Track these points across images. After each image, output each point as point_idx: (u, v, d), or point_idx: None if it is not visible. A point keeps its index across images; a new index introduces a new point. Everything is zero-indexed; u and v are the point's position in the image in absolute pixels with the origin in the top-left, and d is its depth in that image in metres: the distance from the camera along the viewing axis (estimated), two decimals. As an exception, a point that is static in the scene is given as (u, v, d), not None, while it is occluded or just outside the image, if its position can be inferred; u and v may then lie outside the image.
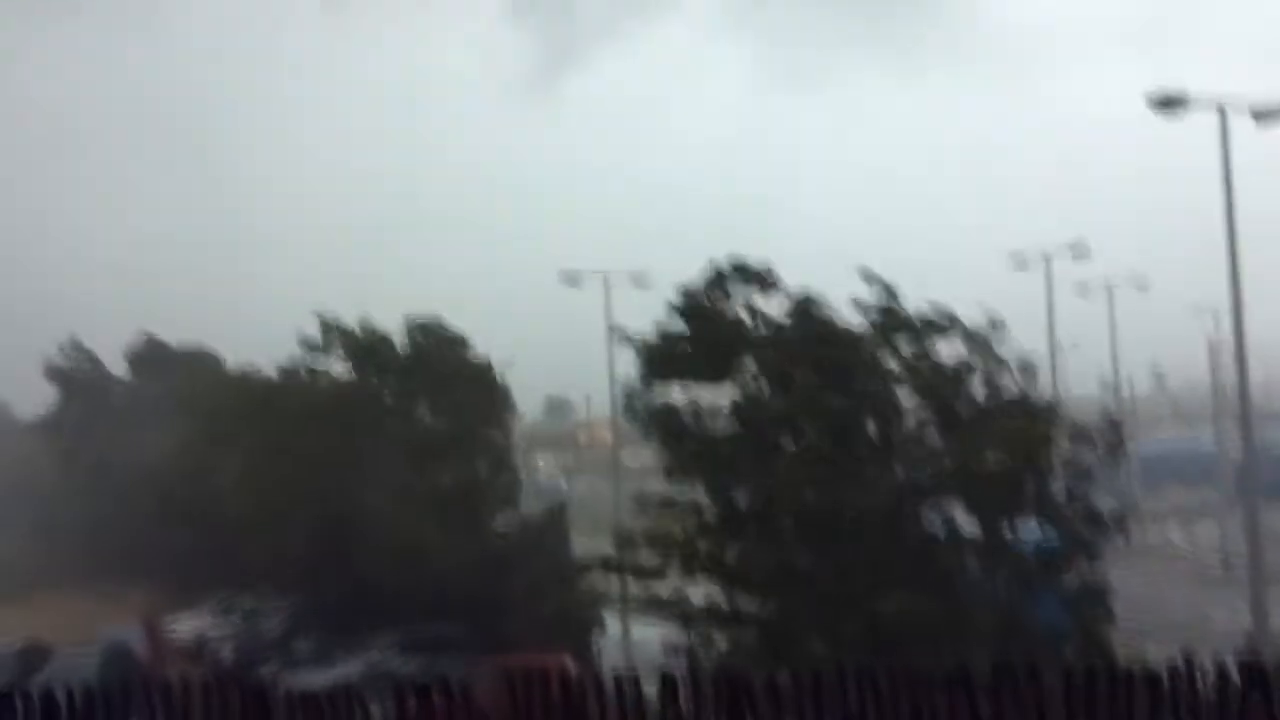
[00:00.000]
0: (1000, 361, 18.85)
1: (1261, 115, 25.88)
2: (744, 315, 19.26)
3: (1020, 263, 40.65)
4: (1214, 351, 49.49)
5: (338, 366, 33.93)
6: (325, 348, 33.51)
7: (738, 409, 18.95)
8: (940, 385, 18.50)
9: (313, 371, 34.46)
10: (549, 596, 29.32)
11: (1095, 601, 18.64)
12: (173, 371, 50.02)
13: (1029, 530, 18.33)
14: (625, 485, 33.56)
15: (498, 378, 33.95)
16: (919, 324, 18.84)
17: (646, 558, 18.99)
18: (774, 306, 19.45)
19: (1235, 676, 7.24)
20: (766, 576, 18.59)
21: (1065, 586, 18.26)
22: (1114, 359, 50.34)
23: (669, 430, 19.44)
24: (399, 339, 33.16)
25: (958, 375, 18.70)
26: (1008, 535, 17.94)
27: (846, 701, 7.48)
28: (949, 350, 18.98)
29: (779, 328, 19.12)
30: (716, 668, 8.64)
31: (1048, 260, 39.55)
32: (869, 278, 18.98)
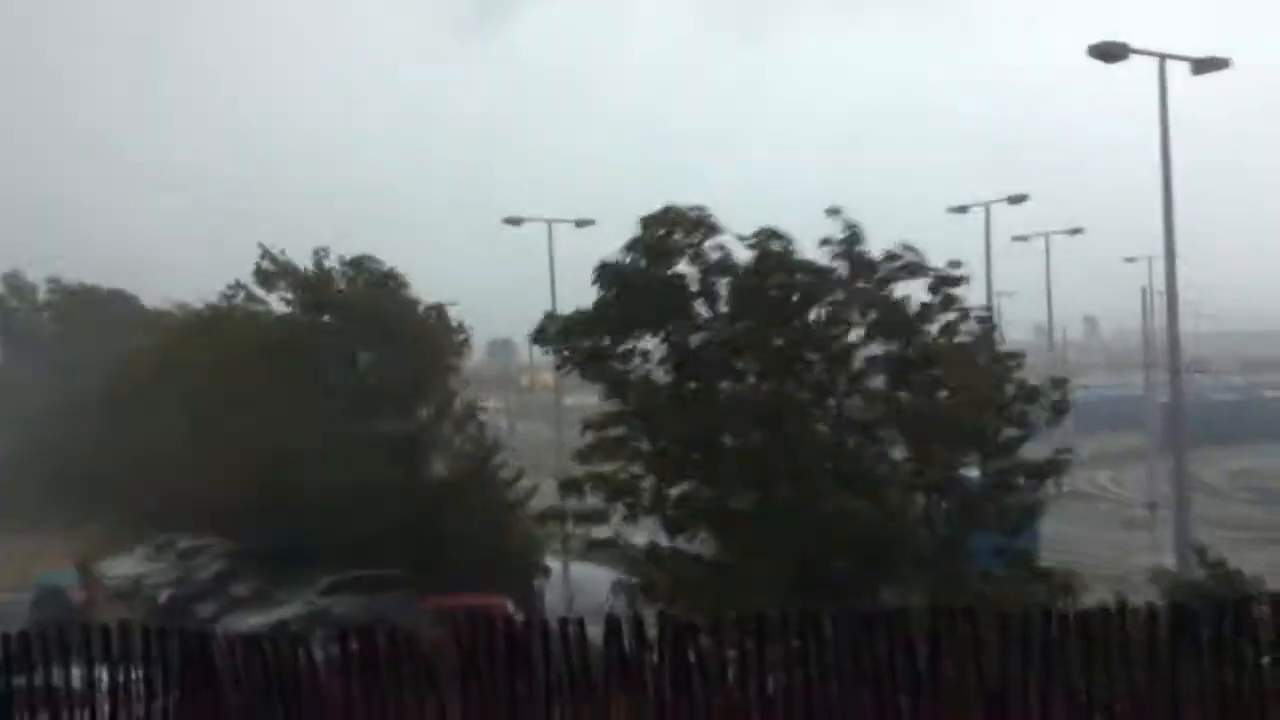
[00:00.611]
0: (959, 306, 19.01)
1: (1200, 66, 26.13)
2: (685, 262, 19.14)
3: (959, 210, 40.98)
4: (1146, 300, 50.50)
5: (277, 303, 33.33)
6: (270, 281, 32.85)
7: (675, 349, 18.94)
8: (896, 325, 18.63)
9: (251, 309, 33.84)
10: (488, 538, 29.32)
11: (1027, 543, 19.04)
12: (96, 311, 49.10)
13: (969, 472, 18.61)
14: (568, 429, 33.54)
15: (451, 319, 33.61)
16: (879, 262, 18.89)
17: (590, 501, 19.00)
18: (715, 250, 19.34)
19: (1165, 619, 7.45)
20: (707, 516, 18.71)
21: (1002, 527, 18.61)
22: (1049, 306, 51.16)
23: (602, 375, 19.39)
24: (339, 277, 32.60)
25: (914, 315, 18.83)
26: (950, 475, 18.21)
27: (788, 642, 7.59)
28: (904, 291, 19.07)
29: (723, 268, 19.05)
30: (659, 610, 8.71)
31: (986, 208, 39.89)
32: (834, 213, 18.88)
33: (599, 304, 19.03)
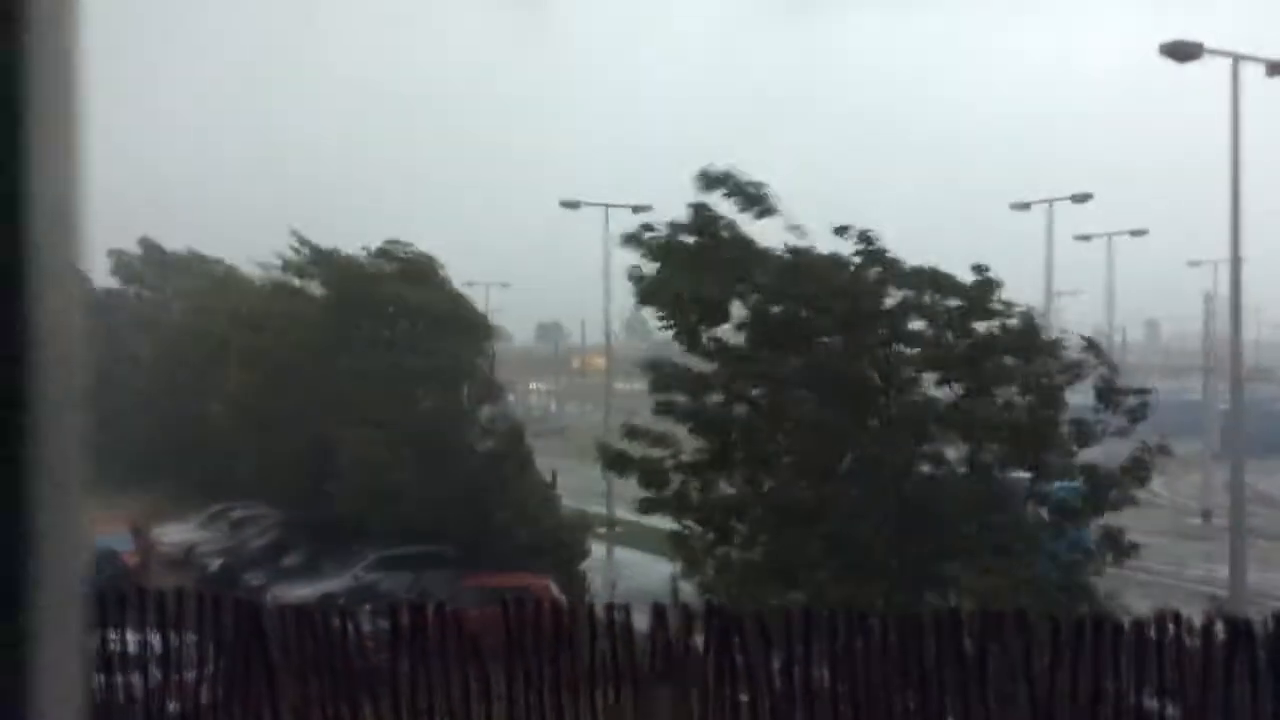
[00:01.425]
0: (1007, 311, 18.59)
1: (1274, 68, 25.59)
2: (744, 240, 18.85)
3: (1021, 207, 40.47)
4: (1209, 305, 49.59)
5: (316, 289, 33.68)
6: (303, 270, 33.27)
7: (758, 318, 18.63)
8: (953, 327, 18.31)
9: (294, 291, 34.26)
10: (535, 520, 29.47)
11: (1103, 549, 18.67)
12: (167, 276, 49.55)
13: (1028, 479, 18.28)
14: (617, 412, 33.63)
15: (474, 305, 33.79)
16: (914, 276, 18.57)
17: (641, 482, 18.93)
18: (771, 233, 19.05)
19: (1220, 632, 7.33)
20: (757, 513, 18.59)
21: (1064, 534, 18.32)
22: (1109, 307, 50.38)
23: (662, 381, 19.20)
24: (373, 264, 32.88)
25: (965, 318, 18.51)
26: (1007, 480, 17.94)
27: (835, 640, 7.55)
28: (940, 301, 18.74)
29: (780, 259, 18.80)
30: (707, 601, 8.66)
31: (1049, 206, 39.34)
32: (840, 230, 18.57)
33: (651, 285, 18.77)
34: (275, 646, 8.76)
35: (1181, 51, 25.22)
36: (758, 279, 18.75)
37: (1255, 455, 32.59)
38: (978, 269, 18.72)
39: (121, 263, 52.19)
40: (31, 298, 1.29)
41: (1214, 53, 25.20)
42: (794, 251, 18.59)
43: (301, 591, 26.69)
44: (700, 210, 18.63)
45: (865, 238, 18.41)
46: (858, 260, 18.58)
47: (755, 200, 18.69)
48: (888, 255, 18.59)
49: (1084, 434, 18.64)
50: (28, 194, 1.25)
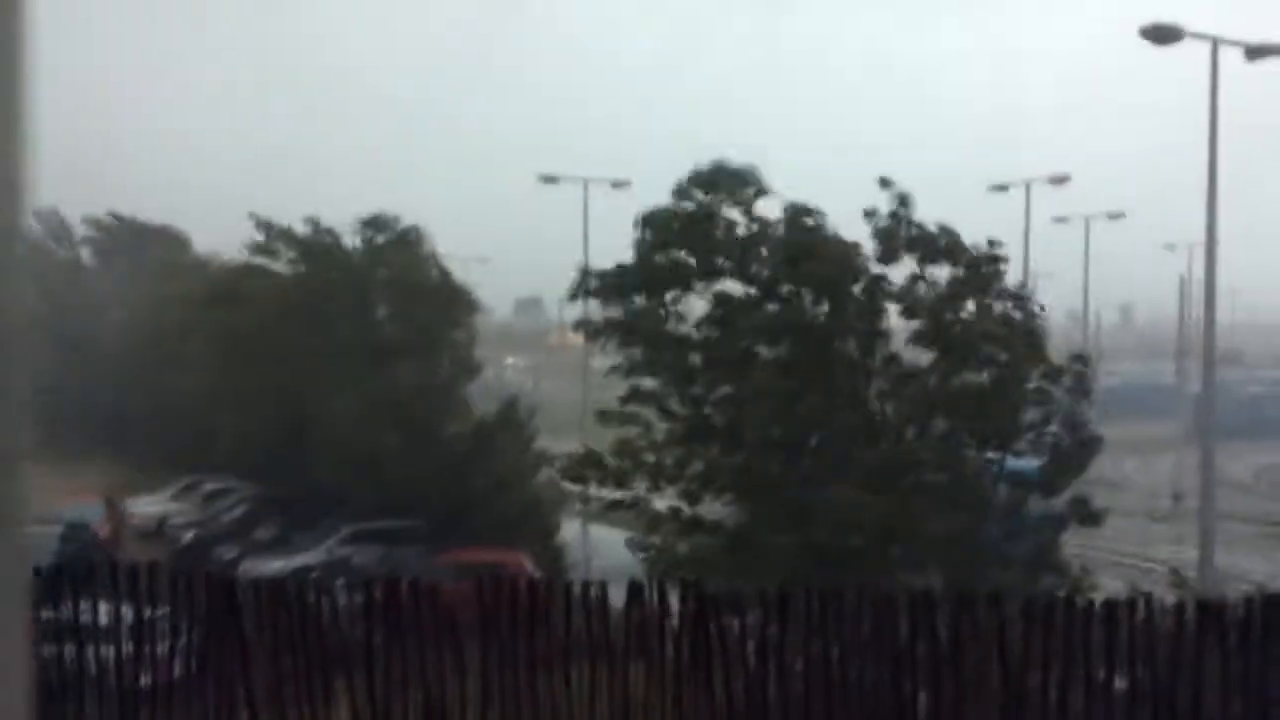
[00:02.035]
0: (998, 288, 18.71)
1: (1253, 52, 25.66)
2: (734, 217, 18.89)
3: (999, 188, 40.58)
4: (1184, 288, 49.92)
5: (287, 265, 33.42)
6: (269, 249, 33.00)
7: (712, 317, 18.79)
8: (932, 306, 18.38)
9: (266, 268, 33.99)
10: (508, 495, 29.45)
11: (1058, 527, 18.90)
12: (140, 249, 49.19)
13: (999, 455, 18.44)
14: (593, 388, 33.55)
15: (455, 277, 33.62)
16: (924, 240, 18.60)
17: (613, 466, 18.96)
18: (762, 210, 19.10)
19: (1191, 613, 7.39)
20: (732, 485, 18.64)
21: (1032, 510, 18.48)
22: (1085, 290, 50.66)
23: (637, 338, 19.23)
24: (352, 236, 32.64)
25: (950, 296, 18.58)
26: (979, 456, 18.07)
27: (810, 617, 7.57)
28: (943, 271, 18.81)
29: (766, 234, 18.85)
30: (683, 578, 8.70)
31: (1027, 188, 39.46)
32: (886, 184, 18.55)
33: (642, 253, 18.82)
34: (248, 620, 8.72)
35: (1161, 34, 25.25)
36: (749, 255, 18.80)
37: (1226, 438, 32.94)
38: (991, 244, 18.82)
39: (94, 234, 51.74)
40: None
41: (1193, 36, 25.25)
42: (792, 225, 18.64)
43: (274, 565, 26.61)
44: (683, 194, 18.67)
45: (903, 200, 18.43)
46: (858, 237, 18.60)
47: (748, 183, 18.75)
48: (907, 226, 18.56)
49: (1045, 410, 18.81)
50: None
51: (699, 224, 18.55)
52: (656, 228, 18.76)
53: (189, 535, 32.75)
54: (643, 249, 18.79)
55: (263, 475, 34.16)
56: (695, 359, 18.76)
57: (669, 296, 18.88)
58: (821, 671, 7.57)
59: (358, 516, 29.67)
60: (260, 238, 32.70)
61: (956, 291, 18.48)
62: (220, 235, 41.41)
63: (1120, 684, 7.38)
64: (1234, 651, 7.31)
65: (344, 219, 32.76)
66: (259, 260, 33.34)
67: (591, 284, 19.23)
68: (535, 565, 26.34)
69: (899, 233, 18.41)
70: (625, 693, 7.64)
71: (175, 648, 8.72)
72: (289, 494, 32.95)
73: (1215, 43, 25.27)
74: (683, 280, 18.81)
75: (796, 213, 18.60)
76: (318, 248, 32.20)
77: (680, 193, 18.89)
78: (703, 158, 19.25)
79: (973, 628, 7.56)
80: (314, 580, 9.73)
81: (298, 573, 23.47)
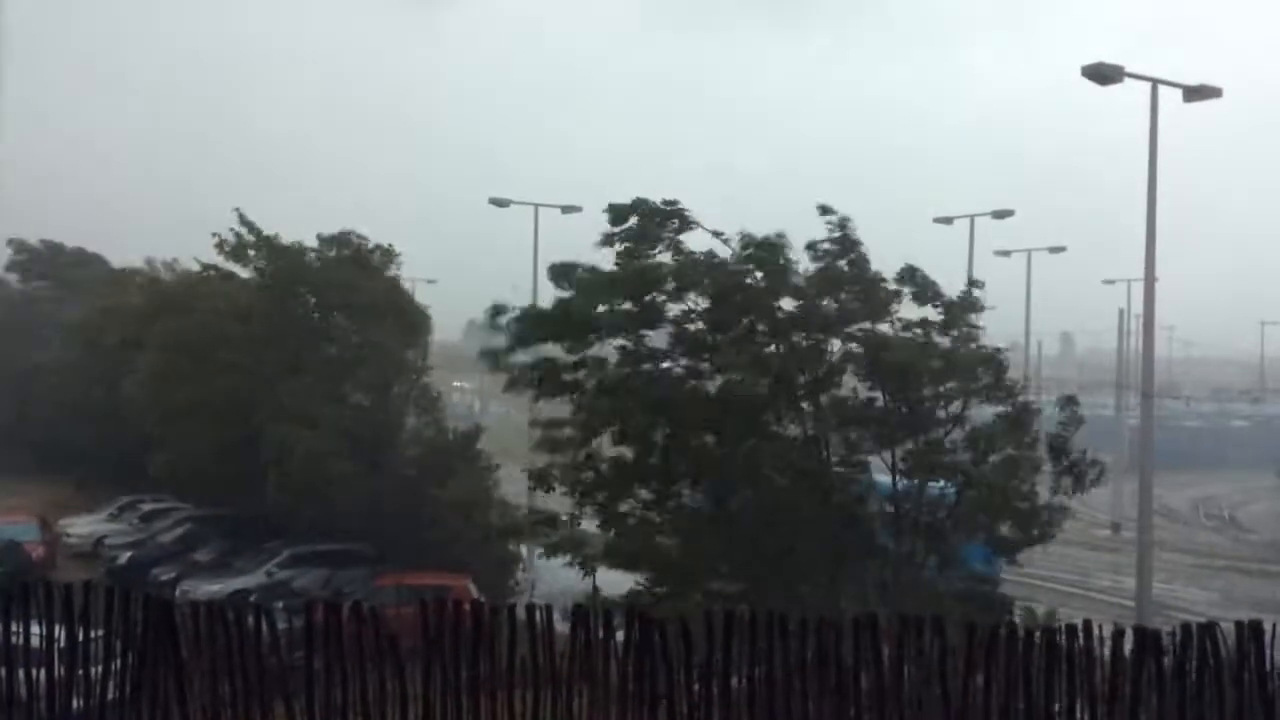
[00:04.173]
0: (962, 325, 18.69)
1: (1191, 93, 26.29)
2: (663, 257, 18.84)
3: (944, 221, 41.16)
4: (1123, 321, 50.85)
5: (249, 276, 32.93)
6: (240, 254, 32.44)
7: (636, 351, 18.68)
8: (879, 341, 18.39)
9: (225, 278, 33.49)
10: (457, 522, 29.23)
11: (990, 560, 19.04)
12: (66, 271, 48.72)
13: (945, 490, 18.48)
14: (541, 412, 33.37)
15: (413, 298, 33.43)
16: (870, 275, 18.62)
17: (558, 499, 18.87)
18: (692, 243, 19.04)
19: (1130, 642, 7.49)
20: (673, 522, 18.59)
21: (973, 545, 18.57)
22: (1027, 322, 51.45)
23: (558, 389, 19.06)
24: (316, 252, 32.29)
25: (897, 334, 18.59)
26: (922, 492, 18.13)
27: (755, 641, 7.58)
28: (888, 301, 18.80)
29: (700, 268, 18.81)
30: (629, 604, 8.70)
31: (971, 221, 40.06)
32: (826, 211, 18.58)
33: (559, 305, 18.72)
34: (185, 643, 8.56)
35: (1102, 74, 25.81)
36: (686, 287, 18.75)
37: (1163, 469, 33.50)
38: (972, 284, 18.89)
39: (20, 258, 51.33)
40: None
41: (1134, 76, 25.84)
42: (715, 264, 18.59)
43: (212, 587, 26.18)
44: (609, 240, 18.61)
45: (843, 224, 18.45)
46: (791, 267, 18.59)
47: (669, 218, 18.69)
48: (857, 250, 18.54)
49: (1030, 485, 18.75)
50: None
51: (625, 275, 18.45)
52: (566, 281, 18.61)
53: (125, 555, 32.15)
54: (559, 303, 18.66)
55: (205, 495, 33.62)
56: (618, 398, 18.61)
57: (584, 348, 18.79)
58: (765, 696, 7.58)
59: (303, 539, 29.28)
60: (220, 250, 32.21)
61: (926, 326, 18.45)
62: (158, 253, 40.92)
63: (1059, 712, 7.46)
64: (1171, 680, 7.42)
65: (293, 236, 32.45)
66: (227, 264, 32.84)
67: (509, 331, 18.98)
68: (480, 590, 26.14)
69: (851, 260, 18.47)
70: (569, 718, 7.59)
71: (110, 670, 8.54)
72: (231, 515, 32.46)
73: (1155, 84, 25.88)
74: (600, 327, 18.71)
75: (755, 246, 18.50)
76: (277, 262, 31.80)
77: (606, 240, 18.79)
78: (628, 187, 19.23)
79: (916, 653, 7.61)
80: (254, 602, 9.57)
81: (236, 595, 23.10)
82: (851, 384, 19.08)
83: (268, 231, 31.99)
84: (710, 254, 18.69)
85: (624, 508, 18.36)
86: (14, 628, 8.57)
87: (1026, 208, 47.92)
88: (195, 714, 8.30)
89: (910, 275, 18.40)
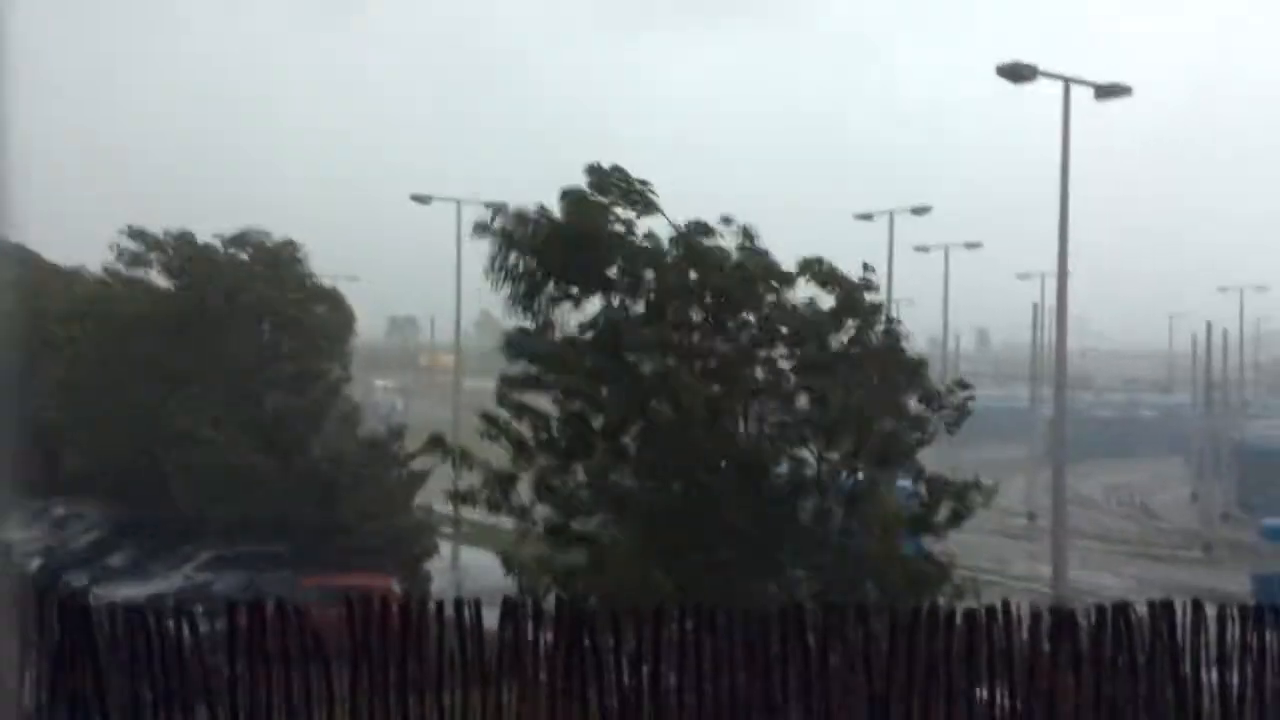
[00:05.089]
0: (871, 312, 18.92)
1: (1102, 91, 26.97)
2: (619, 228, 18.70)
3: (864, 217, 41.75)
4: (1036, 316, 51.97)
5: (158, 279, 32.29)
6: (140, 261, 31.83)
7: (601, 328, 18.51)
8: (812, 327, 18.51)
9: (132, 281, 32.78)
10: (379, 520, 28.96)
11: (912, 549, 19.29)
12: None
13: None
14: (466, 410, 33.21)
15: (335, 296, 33.02)
16: (783, 270, 18.76)
17: (485, 480, 18.68)
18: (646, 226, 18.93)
19: (1047, 622, 7.69)
20: (606, 504, 18.56)
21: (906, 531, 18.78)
22: (945, 316, 52.39)
23: (522, 349, 18.83)
24: (224, 252, 31.70)
25: (827, 319, 18.73)
26: (850, 480, 18.32)
27: (684, 633, 7.64)
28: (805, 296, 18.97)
29: (658, 249, 18.67)
30: (558, 596, 8.70)
31: (890, 217, 40.69)
32: (727, 222, 18.81)
33: (543, 246, 18.30)
34: (103, 647, 8.39)
35: (1017, 73, 26.37)
36: (632, 268, 18.60)
37: (1077, 459, 34.39)
38: (866, 268, 19.08)
39: None
40: None
41: (1047, 75, 26.43)
42: (677, 241, 18.50)
43: (128, 591, 25.61)
44: (574, 196, 18.29)
45: (747, 233, 18.53)
46: (736, 254, 18.62)
47: (639, 197, 18.57)
48: (764, 252, 18.68)
49: (921, 435, 19.18)
50: None
51: (591, 233, 18.20)
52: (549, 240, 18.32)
53: (35, 562, 31.31)
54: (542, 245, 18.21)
55: (118, 499, 32.88)
56: (578, 374, 18.51)
57: (556, 309, 18.62)
58: (694, 686, 7.64)
59: (221, 542, 28.80)
60: (130, 249, 31.47)
61: (838, 316, 18.65)
62: (75, 251, 39.91)
63: (980, 692, 7.63)
64: (1086, 659, 7.63)
65: (209, 234, 31.87)
66: (128, 273, 32.09)
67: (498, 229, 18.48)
68: (404, 590, 25.93)
69: (760, 262, 18.57)
70: (499, 714, 7.58)
71: (23, 678, 8.34)
72: (146, 518, 31.79)
73: (1067, 83, 26.50)
74: (576, 290, 18.49)
75: (690, 229, 18.53)
76: (189, 261, 31.17)
77: (571, 199, 18.54)
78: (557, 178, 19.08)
79: (840, 639, 7.73)
80: (171, 606, 9.41)
81: (153, 600, 22.64)
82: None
83: (173, 237, 31.44)
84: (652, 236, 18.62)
85: (556, 482, 18.21)
86: None
87: (944, 203, 48.81)
88: (115, 719, 8.14)
89: (815, 264, 18.62)
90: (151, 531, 30.92)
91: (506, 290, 18.93)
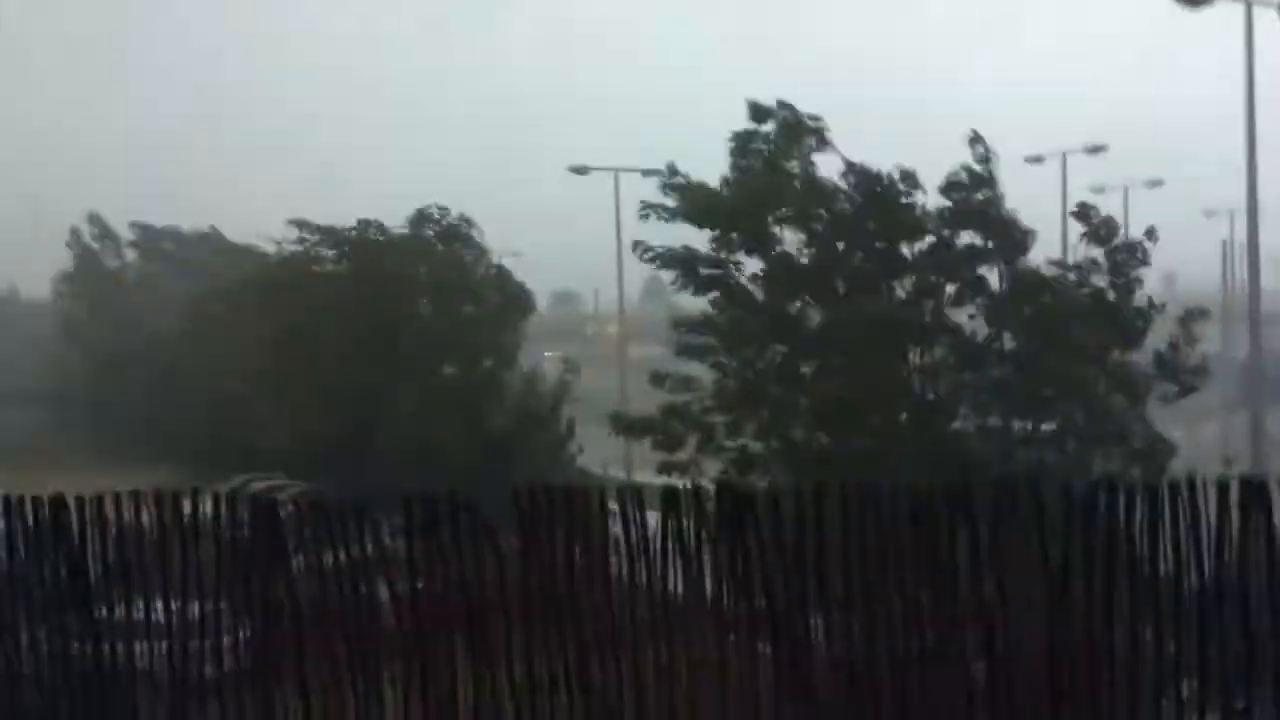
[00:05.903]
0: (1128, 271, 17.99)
1: (1287, 6, 25.35)
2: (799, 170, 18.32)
3: (1035, 160, 40.27)
4: (1226, 254, 49.21)
5: (333, 261, 33.72)
6: (320, 245, 33.34)
7: (781, 264, 18.23)
8: (1037, 280, 17.77)
9: (318, 261, 34.30)
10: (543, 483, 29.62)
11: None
12: (185, 253, 49.97)
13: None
14: (633, 378, 33.64)
15: (509, 274, 33.91)
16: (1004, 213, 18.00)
17: (664, 428, 18.76)
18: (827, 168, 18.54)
19: (1236, 494, 7.30)
20: (781, 456, 18.43)
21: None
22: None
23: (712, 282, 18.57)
24: (406, 232, 32.87)
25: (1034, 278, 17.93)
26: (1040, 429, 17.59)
27: (846, 512, 7.56)
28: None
29: (835, 194, 18.27)
30: (718, 481, 8.70)
31: (1063, 159, 39.15)
32: (975, 141, 17.96)
33: (739, 180, 18.14)
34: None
35: (1193, -1, 25.01)
36: (812, 212, 18.28)
37: (1273, 401, 32.46)
38: (1149, 232, 18.16)
39: (140, 239, 52.45)
40: None
41: (1226, -1, 24.99)
42: (858, 185, 18.11)
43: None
44: (747, 138, 18.01)
45: (985, 158, 17.87)
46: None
47: (812, 133, 18.12)
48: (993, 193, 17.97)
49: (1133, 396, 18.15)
50: None
51: (772, 176, 17.90)
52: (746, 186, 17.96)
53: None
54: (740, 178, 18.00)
55: (317, 473, 34.44)
56: (753, 321, 18.33)
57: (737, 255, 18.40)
58: (859, 564, 7.56)
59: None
60: (308, 235, 33.09)
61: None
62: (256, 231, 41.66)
63: (1165, 566, 7.32)
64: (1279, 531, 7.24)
65: (380, 216, 33.09)
66: (307, 255, 33.71)
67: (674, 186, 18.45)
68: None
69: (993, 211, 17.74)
70: (664, 593, 7.70)
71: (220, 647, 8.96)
72: (347, 487, 33.16)
73: (1249, 4, 24.99)
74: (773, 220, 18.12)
75: (864, 176, 18.05)
76: (367, 242, 32.57)
77: (742, 142, 18.22)
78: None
79: (1012, 521, 7.52)
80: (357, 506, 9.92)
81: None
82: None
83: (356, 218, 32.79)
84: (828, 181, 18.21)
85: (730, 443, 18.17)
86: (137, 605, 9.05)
87: (1120, 141, 46.57)
88: (312, 675, 8.62)
89: (1084, 213, 17.70)
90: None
91: (667, 262, 18.89)
